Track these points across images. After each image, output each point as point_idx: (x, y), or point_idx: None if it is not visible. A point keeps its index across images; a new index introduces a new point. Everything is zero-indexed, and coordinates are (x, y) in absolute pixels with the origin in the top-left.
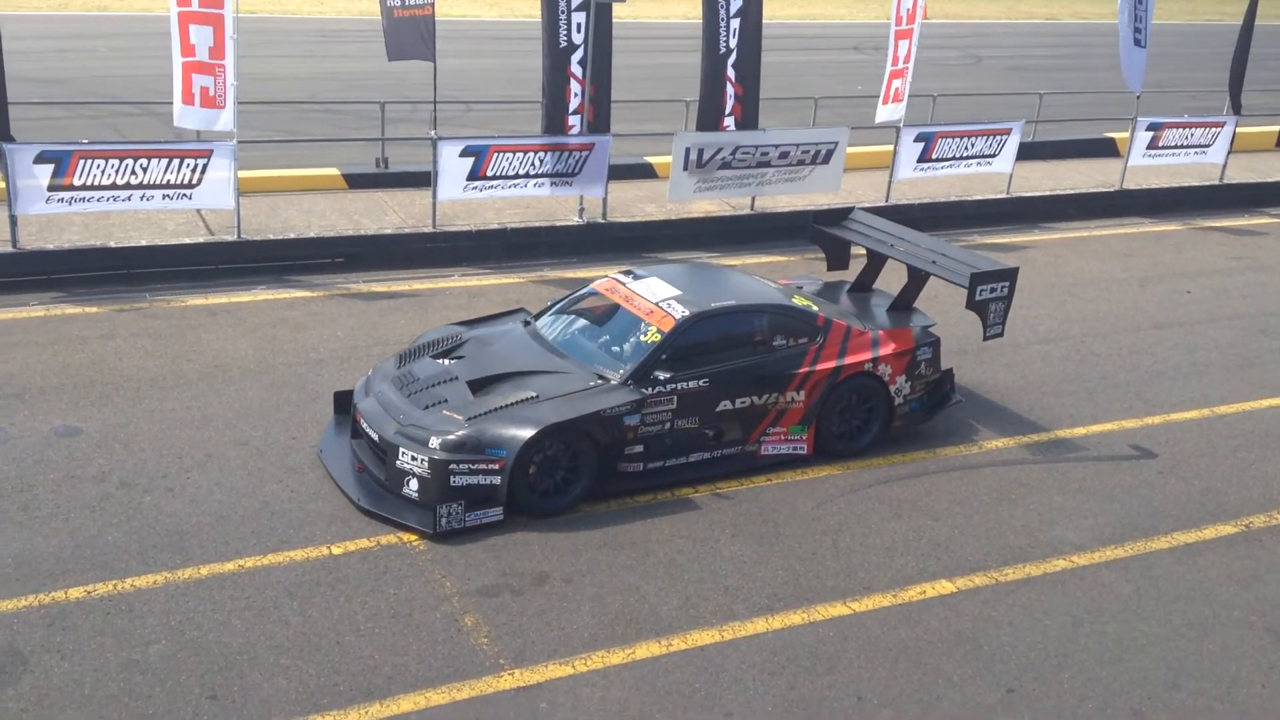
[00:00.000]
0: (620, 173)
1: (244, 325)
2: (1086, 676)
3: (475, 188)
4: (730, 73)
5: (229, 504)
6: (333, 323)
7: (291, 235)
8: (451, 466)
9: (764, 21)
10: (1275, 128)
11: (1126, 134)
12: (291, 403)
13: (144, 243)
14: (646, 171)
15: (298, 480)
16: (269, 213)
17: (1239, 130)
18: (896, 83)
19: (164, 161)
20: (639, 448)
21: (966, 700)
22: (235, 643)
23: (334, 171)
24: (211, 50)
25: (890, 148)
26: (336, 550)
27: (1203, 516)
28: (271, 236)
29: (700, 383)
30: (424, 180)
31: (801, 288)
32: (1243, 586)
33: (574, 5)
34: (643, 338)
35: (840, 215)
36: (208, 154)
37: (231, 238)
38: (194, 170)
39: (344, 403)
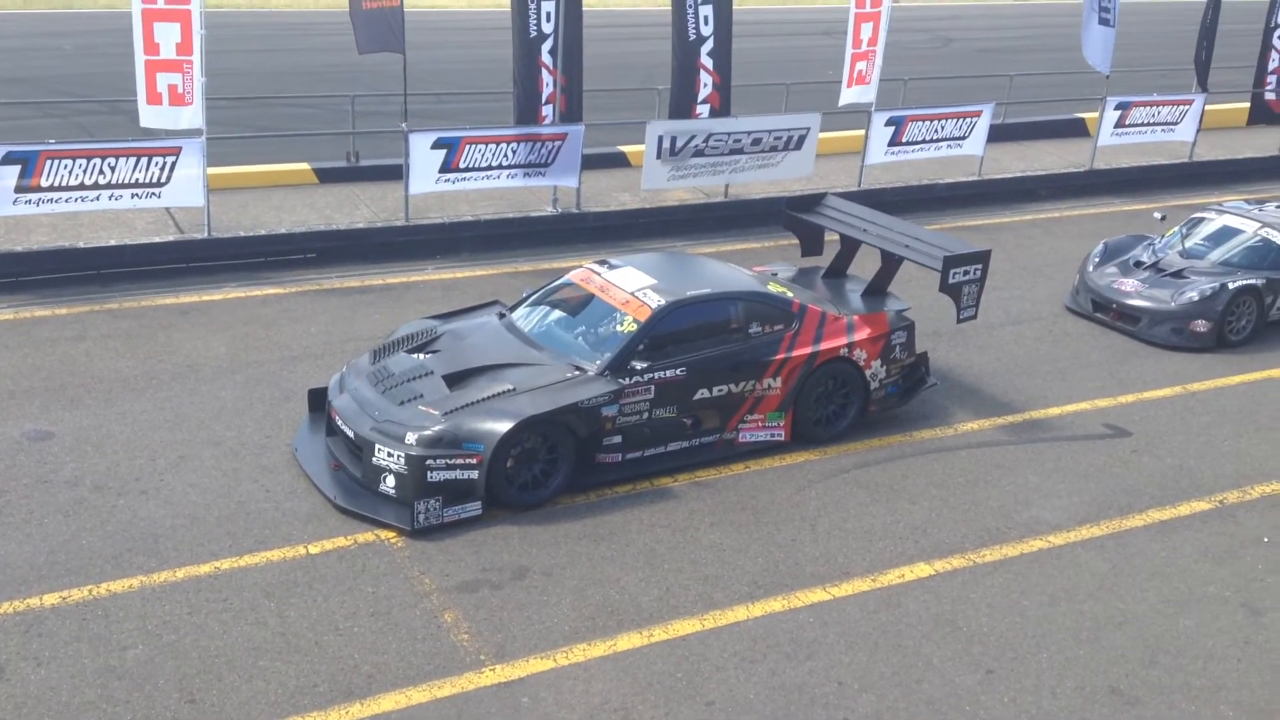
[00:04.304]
0: (593, 162)
1: (216, 324)
2: (1065, 655)
3: (448, 180)
4: (706, 61)
5: (204, 505)
6: (306, 319)
7: (263, 232)
8: (428, 462)
9: (733, 7)
10: (1247, 105)
11: (1096, 114)
12: (265, 401)
13: (113, 242)
14: (620, 160)
15: (273, 479)
16: (239, 210)
17: (1212, 108)
18: (860, 65)
19: (132, 160)
20: (617, 438)
21: (946, 682)
22: (213, 645)
23: (305, 167)
24: (178, 47)
25: (862, 132)
26: (314, 549)
27: (1177, 493)
28: (242, 233)
29: (677, 372)
30: (396, 174)
31: (776, 274)
32: (1217, 562)
33: None
34: (619, 328)
35: (813, 201)
36: (176, 151)
37: (202, 235)
38: (163, 168)
39: (318, 400)
